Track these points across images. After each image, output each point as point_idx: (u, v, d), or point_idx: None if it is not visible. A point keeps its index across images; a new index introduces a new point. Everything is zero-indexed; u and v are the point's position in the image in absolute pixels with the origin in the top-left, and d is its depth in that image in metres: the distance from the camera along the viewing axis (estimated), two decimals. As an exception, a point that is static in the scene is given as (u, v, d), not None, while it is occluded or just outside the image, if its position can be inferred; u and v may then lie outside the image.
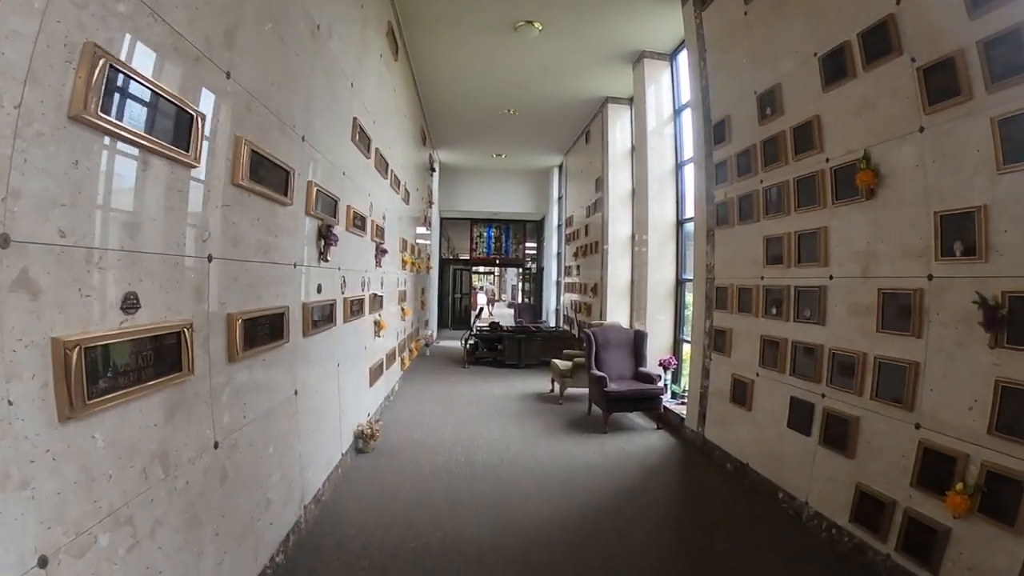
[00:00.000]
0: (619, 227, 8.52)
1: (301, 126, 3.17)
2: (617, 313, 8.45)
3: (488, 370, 9.52)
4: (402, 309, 7.54)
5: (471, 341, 10.14)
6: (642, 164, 6.99)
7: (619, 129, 8.65)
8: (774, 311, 3.99)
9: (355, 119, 4.44)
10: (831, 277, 3.44)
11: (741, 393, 4.42)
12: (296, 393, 3.17)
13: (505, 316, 25.05)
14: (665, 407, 5.90)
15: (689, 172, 6.67)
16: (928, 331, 2.77)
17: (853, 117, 3.27)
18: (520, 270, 19.79)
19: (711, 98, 4.99)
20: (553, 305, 15.06)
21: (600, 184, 9.13)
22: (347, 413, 4.46)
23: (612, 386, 5.79)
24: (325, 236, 3.64)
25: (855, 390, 3.21)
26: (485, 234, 17.62)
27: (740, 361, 4.49)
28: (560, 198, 14.12)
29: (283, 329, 2.87)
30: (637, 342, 6.44)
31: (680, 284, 6.77)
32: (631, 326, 8.18)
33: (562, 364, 7.28)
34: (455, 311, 18.06)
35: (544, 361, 9.59)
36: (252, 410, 2.56)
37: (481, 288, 40.30)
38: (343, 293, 4.19)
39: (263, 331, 2.63)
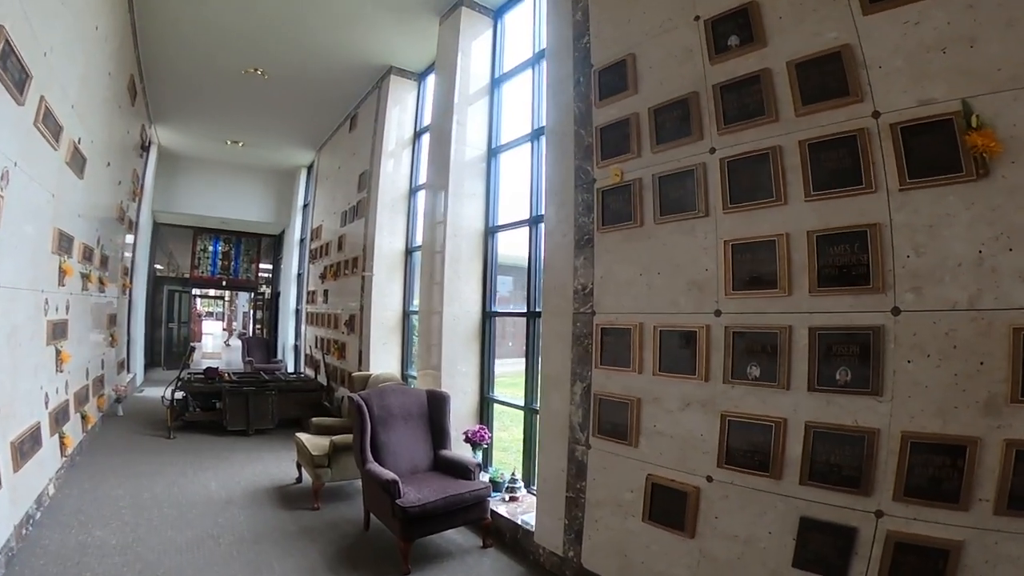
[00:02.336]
0: (389, 238, 6.32)
1: None
2: (384, 358, 6.14)
3: (203, 442, 6.22)
4: (59, 352, 4.12)
5: (178, 395, 6.69)
6: (443, 148, 5.02)
7: (401, 110, 6.57)
8: (755, 372, 2.47)
9: None
10: (896, 310, 2.08)
11: (672, 508, 2.75)
12: None
13: (233, 351, 19.69)
14: (492, 510, 3.88)
15: (508, 162, 5.04)
16: None
17: (931, 53, 2.03)
18: (252, 295, 15.64)
19: (592, 36, 3.42)
20: (291, 340, 11.73)
21: (366, 181, 6.78)
22: None
23: (409, 494, 3.46)
24: None
25: (959, 503, 1.87)
26: (211, 248, 13.69)
27: (665, 454, 2.83)
28: (306, 205, 11.13)
29: None
30: (434, 411, 4.28)
31: (489, 319, 4.95)
32: (403, 377, 6.00)
33: (313, 445, 4.54)
34: (171, 345, 14.05)
35: (285, 422, 6.73)
36: None
37: (211, 314, 32.96)
38: None
39: None
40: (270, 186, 12.21)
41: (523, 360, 4.47)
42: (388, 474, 3.54)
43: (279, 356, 12.12)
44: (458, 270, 4.83)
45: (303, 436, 4.86)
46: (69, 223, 4.29)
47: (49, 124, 3.49)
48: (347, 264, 7.34)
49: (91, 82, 4.48)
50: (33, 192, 3.38)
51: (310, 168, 11.30)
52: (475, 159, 5.03)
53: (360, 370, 6.34)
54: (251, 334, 16.00)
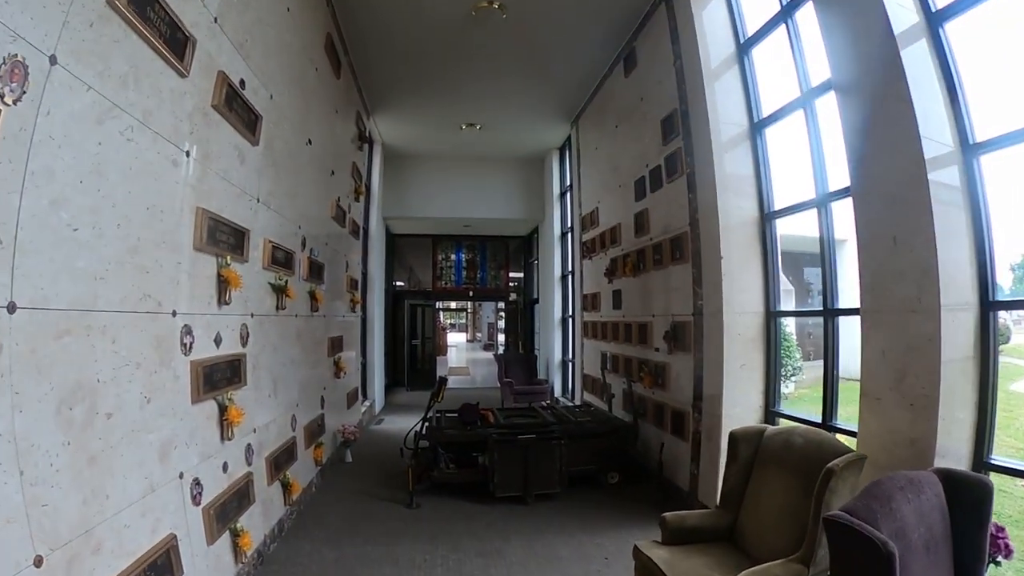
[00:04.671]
0: (735, 200, 4.53)
1: None
2: (743, 389, 4.37)
3: (459, 514, 4.72)
4: (224, 409, 3.03)
5: (423, 444, 5.36)
6: (870, 14, 3.01)
7: (714, 17, 4.76)
8: None
9: None
10: None
11: None
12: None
13: (480, 364, 19.49)
14: None
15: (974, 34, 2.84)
16: None
17: None
18: (502, 304, 16.09)
19: None
20: (557, 356, 10.59)
21: (675, 125, 5.17)
22: None
23: None
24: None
25: None
26: (453, 258, 14.11)
27: None
28: (565, 192, 10.20)
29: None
30: (961, 518, 2.21)
31: (990, 316, 2.78)
32: (767, 420, 4.19)
33: None
34: (415, 362, 13.68)
35: (576, 479, 5.26)
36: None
37: (452, 326, 33.81)
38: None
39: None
40: (515, 178, 11.37)
41: None
42: None
43: (543, 375, 10.99)
44: (942, 224, 2.71)
45: (661, 556, 2.86)
46: (235, 207, 3.17)
47: (155, 20, 2.20)
48: (656, 251, 5.70)
49: (271, 18, 3.59)
50: (114, 127, 2.02)
51: (563, 148, 10.16)
52: (913, 31, 2.92)
53: (704, 407, 4.60)
54: (506, 350, 15.55)
